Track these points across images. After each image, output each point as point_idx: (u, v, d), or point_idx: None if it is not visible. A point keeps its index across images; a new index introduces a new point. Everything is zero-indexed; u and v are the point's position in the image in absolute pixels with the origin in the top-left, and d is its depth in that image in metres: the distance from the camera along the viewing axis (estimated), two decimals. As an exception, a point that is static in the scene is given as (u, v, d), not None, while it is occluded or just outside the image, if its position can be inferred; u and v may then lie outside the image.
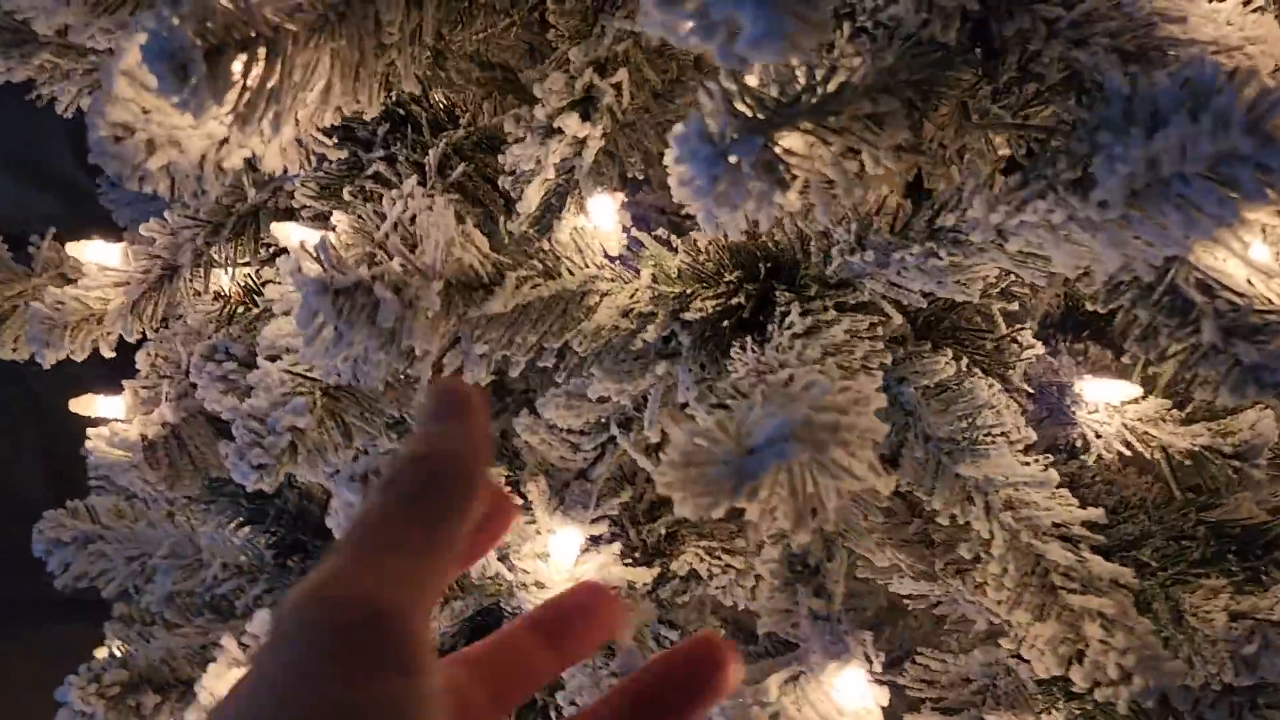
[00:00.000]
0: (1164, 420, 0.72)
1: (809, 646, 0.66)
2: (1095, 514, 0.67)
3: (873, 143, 0.55)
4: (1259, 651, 0.65)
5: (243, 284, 0.92)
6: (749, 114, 0.49)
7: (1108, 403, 0.73)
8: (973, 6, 0.62)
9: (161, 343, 0.96)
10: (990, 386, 0.72)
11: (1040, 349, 0.75)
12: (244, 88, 0.56)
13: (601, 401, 0.71)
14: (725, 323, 0.72)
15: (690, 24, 0.42)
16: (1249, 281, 0.58)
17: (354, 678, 0.29)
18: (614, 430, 0.72)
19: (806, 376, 0.49)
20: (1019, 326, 0.75)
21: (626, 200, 0.72)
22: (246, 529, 1.04)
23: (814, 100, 0.52)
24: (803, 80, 0.52)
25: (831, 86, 0.53)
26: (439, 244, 0.61)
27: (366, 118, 0.72)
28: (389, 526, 0.33)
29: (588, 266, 0.69)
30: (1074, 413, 0.73)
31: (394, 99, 0.86)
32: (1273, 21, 0.72)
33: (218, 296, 0.92)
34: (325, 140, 0.69)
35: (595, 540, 0.72)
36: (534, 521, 0.72)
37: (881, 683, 0.66)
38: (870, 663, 0.66)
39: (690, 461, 0.48)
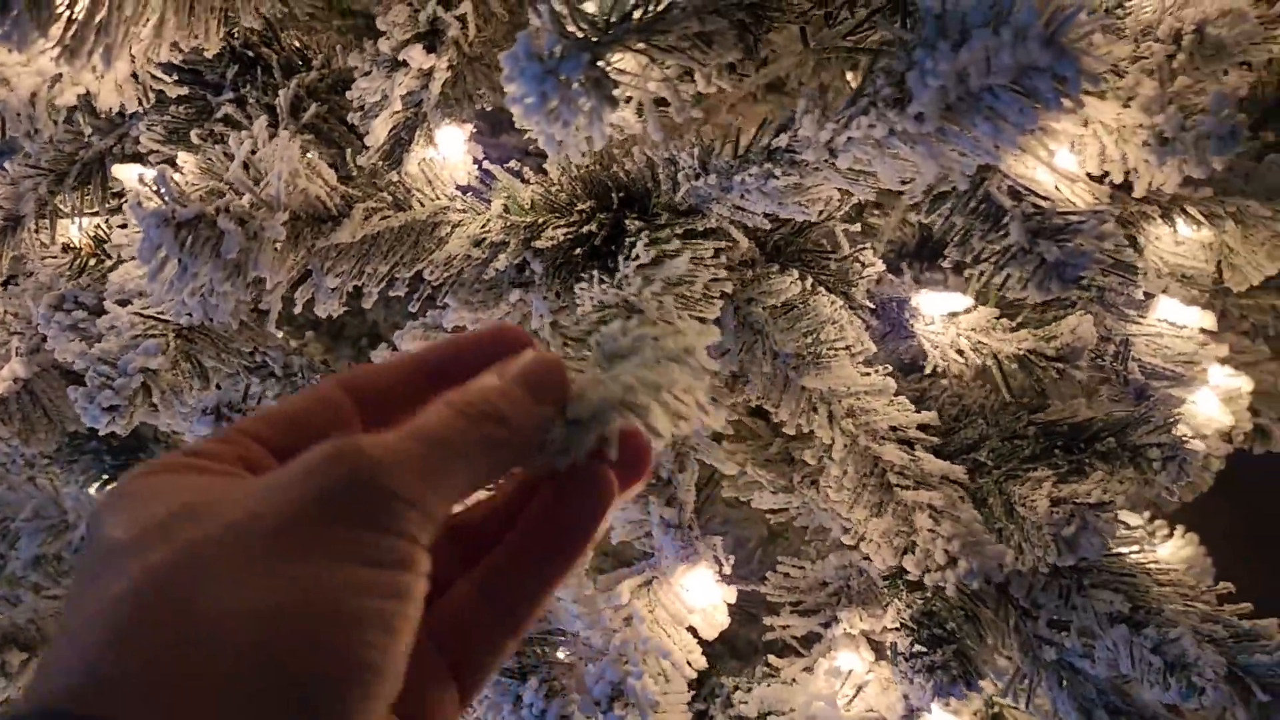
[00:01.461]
0: (993, 329, 0.77)
1: (661, 553, 0.69)
2: (928, 416, 0.72)
3: (701, 61, 0.57)
4: (1077, 532, 0.70)
5: (92, 234, 0.91)
6: (578, 33, 0.51)
7: (942, 314, 0.77)
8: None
9: (10, 299, 0.93)
10: (833, 304, 0.76)
11: (881, 266, 0.78)
12: (70, 20, 0.56)
13: (458, 330, 0.72)
14: (577, 251, 0.74)
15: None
16: (1055, 187, 0.62)
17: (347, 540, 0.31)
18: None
19: (635, 332, 0.51)
20: (861, 246, 0.79)
21: (489, 141, 0.72)
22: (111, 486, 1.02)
23: (642, 20, 0.54)
24: (633, 1, 0.54)
25: (660, 7, 0.55)
26: (282, 175, 0.61)
27: (209, 55, 0.72)
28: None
29: (438, 198, 0.70)
30: (912, 326, 0.78)
31: (243, 41, 0.85)
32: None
33: (66, 248, 0.90)
34: (165, 78, 0.68)
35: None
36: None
37: (729, 581, 0.69)
38: (720, 565, 0.70)
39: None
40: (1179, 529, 1.35)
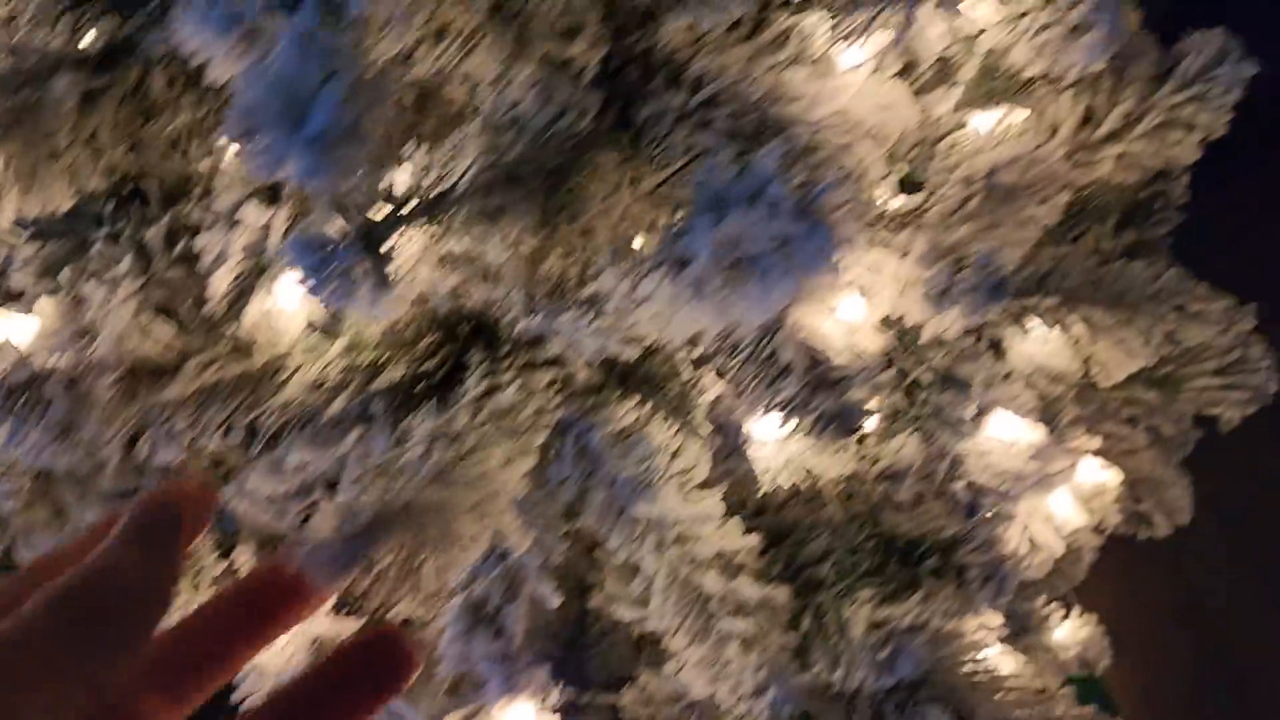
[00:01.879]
0: (821, 451, 0.80)
1: (488, 685, 0.72)
2: (750, 541, 0.75)
3: (480, 237, 0.61)
4: (891, 655, 0.73)
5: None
6: (353, 221, 0.55)
7: (775, 438, 0.81)
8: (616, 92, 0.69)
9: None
10: (670, 430, 0.79)
11: (719, 390, 0.82)
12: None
13: (300, 469, 0.76)
14: (418, 388, 0.77)
15: (260, 161, 0.47)
16: (841, 338, 0.66)
17: None
18: (318, 494, 0.77)
19: (411, 469, 0.54)
20: (701, 371, 0.83)
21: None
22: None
23: (420, 205, 0.58)
24: (410, 186, 0.58)
25: (440, 189, 0.59)
26: (112, 337, 0.65)
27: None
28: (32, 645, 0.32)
29: (277, 345, 0.73)
30: (745, 449, 0.81)
31: (120, 175, 0.88)
32: (903, 87, 0.81)
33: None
34: (13, 239, 0.72)
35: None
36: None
37: (556, 711, 0.72)
38: (545, 697, 0.72)
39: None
40: (1075, 610, 1.38)
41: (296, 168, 0.46)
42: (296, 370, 0.73)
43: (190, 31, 0.53)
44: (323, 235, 0.54)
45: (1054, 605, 1.37)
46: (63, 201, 0.72)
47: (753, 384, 0.65)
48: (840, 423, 0.62)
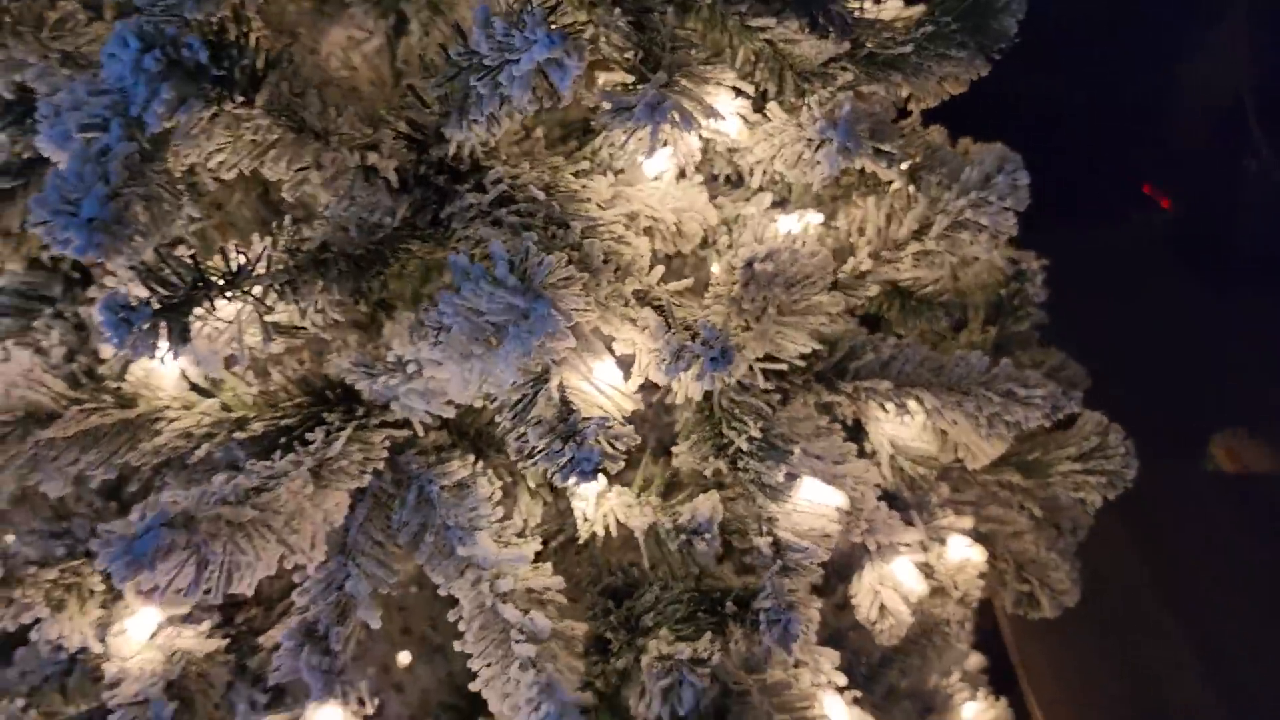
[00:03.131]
0: (630, 506, 0.91)
1: (311, 696, 0.83)
2: (557, 581, 0.86)
3: (294, 306, 0.74)
4: (672, 685, 0.82)
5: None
6: (156, 289, 0.69)
7: (595, 492, 0.92)
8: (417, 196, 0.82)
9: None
10: (495, 483, 0.91)
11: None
12: None
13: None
14: (282, 439, 0.90)
15: (51, 237, 0.62)
16: (592, 397, 0.77)
17: None
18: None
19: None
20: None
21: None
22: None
23: (228, 277, 0.72)
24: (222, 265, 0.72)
25: (256, 265, 0.73)
26: (3, 383, 0.80)
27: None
28: None
29: (157, 399, 0.88)
30: (572, 500, 0.92)
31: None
32: (699, 191, 0.94)
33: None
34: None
35: (180, 619, 0.89)
36: (127, 605, 0.90)
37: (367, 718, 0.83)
38: (361, 704, 0.83)
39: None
40: (982, 693, 1.43)
41: (74, 245, 0.60)
42: (172, 421, 0.87)
43: (42, 142, 0.68)
44: (124, 299, 0.67)
45: (961, 685, 1.42)
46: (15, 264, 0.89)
47: (514, 435, 0.76)
48: (580, 466, 0.73)
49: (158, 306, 0.68)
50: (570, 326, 0.71)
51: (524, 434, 0.76)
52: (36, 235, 0.87)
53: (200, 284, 0.70)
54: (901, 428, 1.14)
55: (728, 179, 0.98)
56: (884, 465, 1.15)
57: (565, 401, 0.76)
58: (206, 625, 0.91)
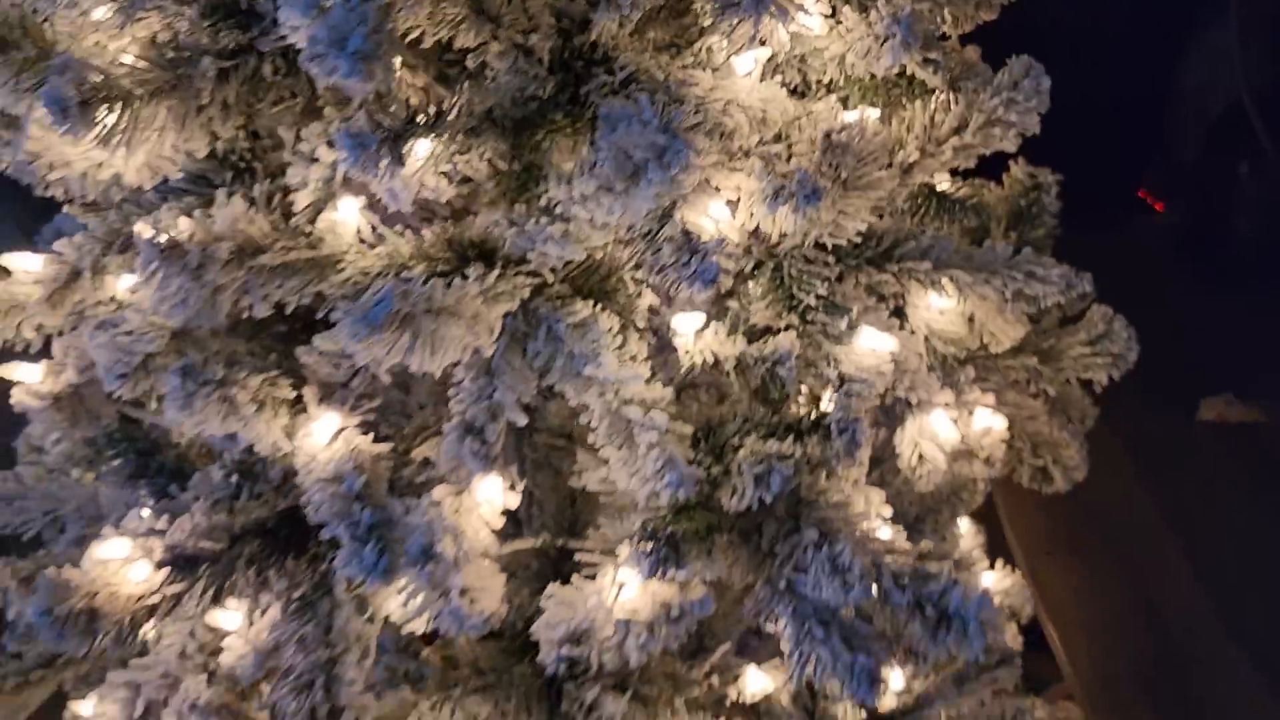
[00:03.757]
0: (722, 340, 1.10)
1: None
2: (667, 393, 1.05)
3: (468, 154, 0.94)
4: (765, 472, 1.02)
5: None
6: (384, 125, 0.88)
7: (693, 331, 1.11)
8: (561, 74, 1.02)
9: (73, 337, 1.32)
10: (614, 321, 1.10)
11: (653, 300, 1.13)
12: (103, 123, 0.95)
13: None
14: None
15: (321, 68, 0.81)
16: (709, 226, 0.97)
17: None
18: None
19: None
20: (640, 286, 1.14)
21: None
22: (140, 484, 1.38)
23: (426, 122, 0.91)
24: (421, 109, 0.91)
25: (448, 115, 0.93)
26: (226, 220, 0.99)
27: (199, 157, 1.11)
28: None
29: (339, 244, 1.07)
30: (671, 340, 1.11)
31: (235, 152, 1.23)
32: (779, 87, 1.13)
33: (112, 299, 1.28)
34: (173, 165, 1.07)
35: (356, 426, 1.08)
36: (308, 415, 1.08)
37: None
38: (512, 487, 1.03)
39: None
40: (999, 562, 1.62)
41: (341, 71, 0.80)
42: (351, 261, 1.06)
43: (287, 14, 0.88)
44: (360, 129, 0.87)
45: (980, 556, 1.61)
46: (201, 145, 1.08)
47: (649, 254, 0.96)
48: (703, 275, 0.93)
49: (383, 135, 0.88)
50: (695, 166, 0.91)
51: (658, 251, 0.96)
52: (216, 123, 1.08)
53: (410, 123, 0.90)
54: (937, 315, 1.34)
55: (794, 89, 1.17)
56: (920, 345, 1.34)
57: (687, 231, 0.96)
58: (371, 436, 1.10)
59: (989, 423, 1.41)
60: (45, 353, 1.32)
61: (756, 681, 1.33)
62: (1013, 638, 1.58)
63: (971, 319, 1.35)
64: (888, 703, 1.46)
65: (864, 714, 1.44)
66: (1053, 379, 1.44)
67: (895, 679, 1.45)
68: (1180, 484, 2.37)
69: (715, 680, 1.33)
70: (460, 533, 0.98)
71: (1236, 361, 3.11)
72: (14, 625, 1.49)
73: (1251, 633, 2.04)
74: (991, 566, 1.61)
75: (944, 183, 1.38)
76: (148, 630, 1.07)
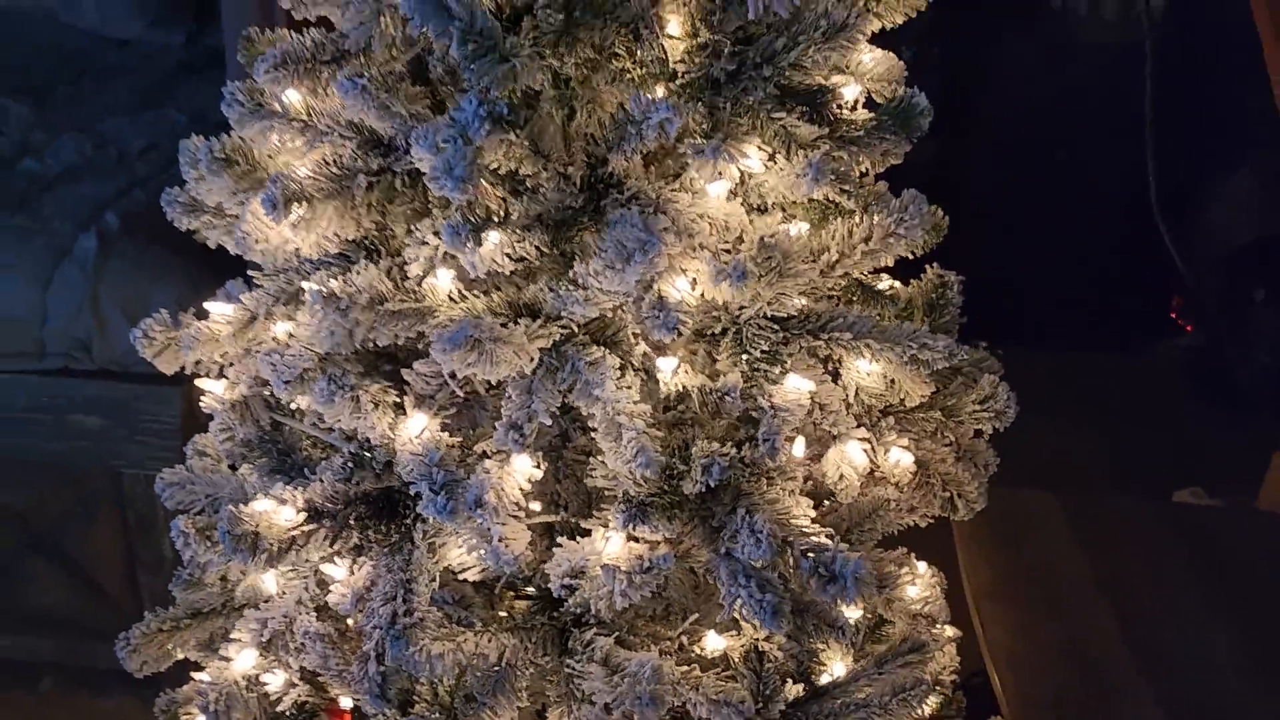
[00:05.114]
0: (690, 376, 1.60)
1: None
2: (645, 408, 1.55)
3: (523, 242, 1.47)
4: (709, 464, 1.51)
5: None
6: (471, 221, 1.42)
7: (669, 369, 1.62)
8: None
9: (243, 364, 1.87)
10: (615, 361, 1.61)
11: (645, 348, 1.64)
12: (296, 216, 1.50)
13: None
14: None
15: (432, 185, 1.35)
16: (674, 294, 1.48)
17: None
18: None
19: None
20: (638, 339, 1.65)
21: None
22: (278, 476, 1.90)
23: (499, 220, 1.44)
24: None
25: (512, 216, 1.47)
26: (364, 281, 1.53)
27: (346, 239, 1.66)
28: None
29: (435, 299, 1.60)
30: (655, 375, 1.62)
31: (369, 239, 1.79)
32: (740, 206, 1.66)
33: (274, 339, 1.83)
34: (331, 244, 1.62)
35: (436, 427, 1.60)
36: (405, 413, 1.60)
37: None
38: (538, 465, 1.53)
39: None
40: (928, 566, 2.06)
41: (449, 189, 1.34)
42: (443, 312, 1.59)
43: (417, 151, 1.42)
44: (456, 223, 1.40)
45: (906, 573, 2.06)
46: (351, 232, 1.63)
47: (633, 313, 1.47)
48: (666, 326, 1.44)
49: (470, 227, 1.42)
50: (665, 255, 1.42)
51: (639, 310, 1.47)
52: (362, 217, 1.63)
53: (487, 220, 1.44)
54: (864, 375, 1.83)
55: (756, 207, 1.70)
56: (841, 393, 1.83)
57: (661, 295, 1.47)
58: (447, 434, 1.62)
59: (899, 457, 1.88)
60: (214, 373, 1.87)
61: (715, 642, 1.80)
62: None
63: (893, 381, 1.84)
64: (824, 680, 1.90)
65: (801, 687, 1.88)
66: (955, 430, 1.92)
67: (838, 668, 1.90)
68: (1115, 548, 2.79)
69: (685, 640, 1.80)
70: (502, 490, 1.49)
71: (1215, 463, 3.59)
72: (179, 574, 2.02)
73: (1158, 673, 2.44)
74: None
75: (882, 282, 1.88)
76: (289, 555, 1.58)
